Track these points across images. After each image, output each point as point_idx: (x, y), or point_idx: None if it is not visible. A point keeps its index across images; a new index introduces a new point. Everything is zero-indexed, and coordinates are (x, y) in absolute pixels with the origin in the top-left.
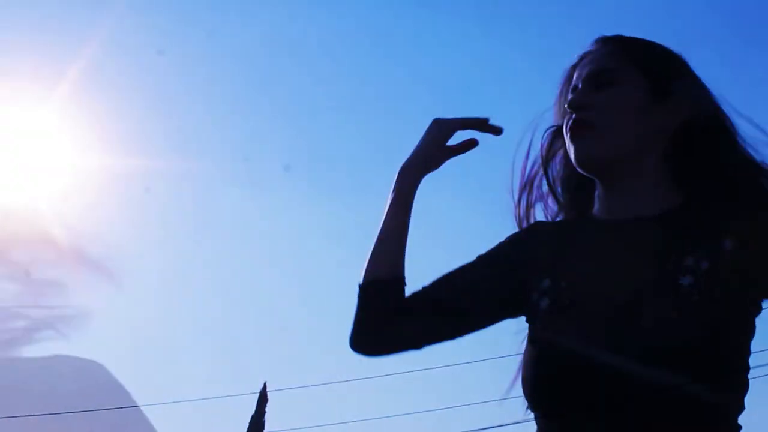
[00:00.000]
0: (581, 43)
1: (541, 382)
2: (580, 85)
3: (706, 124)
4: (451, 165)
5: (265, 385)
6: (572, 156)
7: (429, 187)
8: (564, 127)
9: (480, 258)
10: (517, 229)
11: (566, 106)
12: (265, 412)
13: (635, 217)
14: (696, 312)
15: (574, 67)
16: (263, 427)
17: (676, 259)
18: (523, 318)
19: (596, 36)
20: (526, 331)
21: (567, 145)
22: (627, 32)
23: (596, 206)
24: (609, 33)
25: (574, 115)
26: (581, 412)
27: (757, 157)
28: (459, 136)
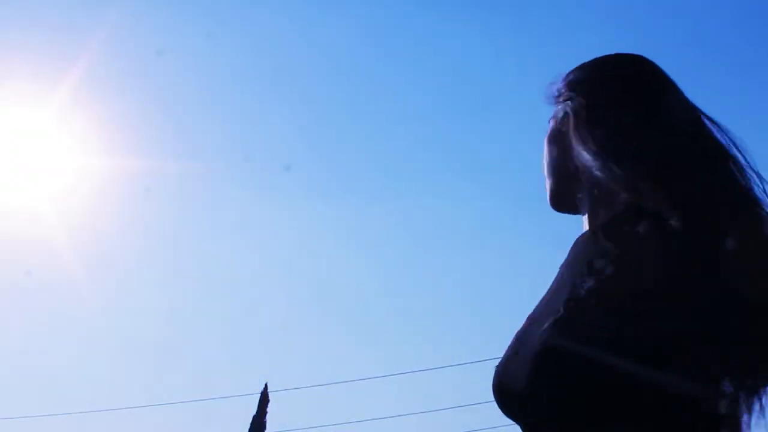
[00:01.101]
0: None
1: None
2: None
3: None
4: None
5: (266, 385)
6: None
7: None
8: None
9: None
10: None
11: None
12: (266, 412)
13: (585, 230)
14: (583, 315)
15: None
16: (265, 428)
17: (590, 265)
18: None
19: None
20: None
21: None
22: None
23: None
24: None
25: None
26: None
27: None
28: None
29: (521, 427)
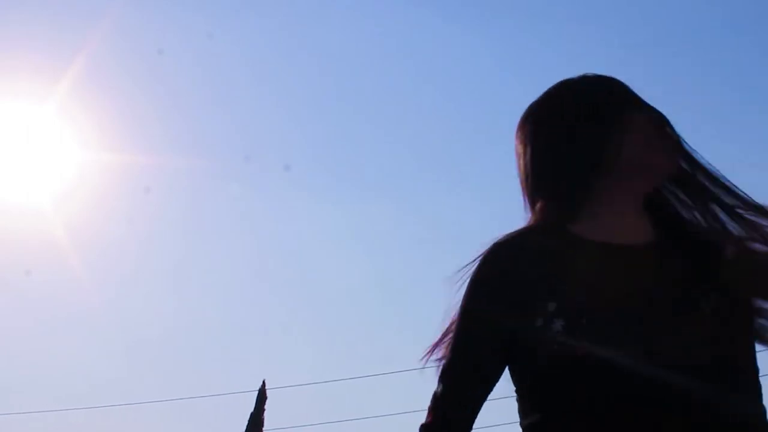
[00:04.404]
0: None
1: (611, 401)
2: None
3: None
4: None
5: (264, 382)
6: (663, 163)
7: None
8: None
9: (473, 330)
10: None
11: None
12: (264, 409)
13: (631, 242)
14: (722, 329)
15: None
16: (262, 425)
17: (688, 284)
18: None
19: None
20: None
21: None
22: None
23: (584, 223)
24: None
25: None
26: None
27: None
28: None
29: None
